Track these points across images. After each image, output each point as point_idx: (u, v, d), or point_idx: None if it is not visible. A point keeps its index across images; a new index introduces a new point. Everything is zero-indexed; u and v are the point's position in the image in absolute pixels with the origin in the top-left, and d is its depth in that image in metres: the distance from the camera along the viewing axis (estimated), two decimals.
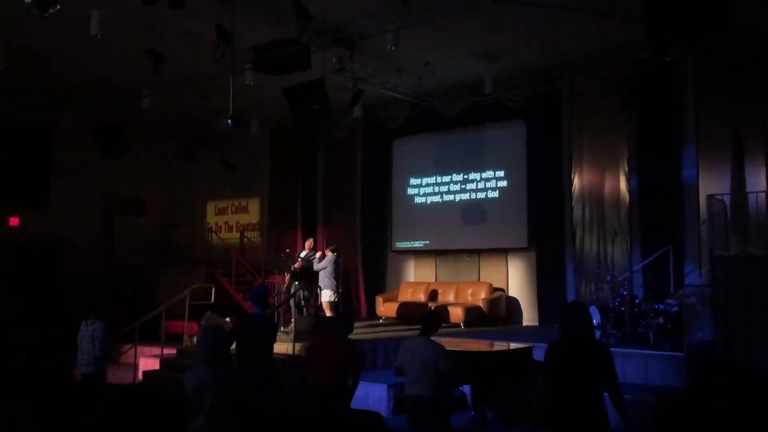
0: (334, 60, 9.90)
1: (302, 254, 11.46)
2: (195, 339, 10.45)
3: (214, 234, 15.94)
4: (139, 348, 10.74)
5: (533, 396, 7.57)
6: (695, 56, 10.02)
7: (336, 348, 5.99)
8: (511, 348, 8.31)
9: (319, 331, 8.98)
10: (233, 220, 16.78)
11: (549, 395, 4.34)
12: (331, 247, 11.21)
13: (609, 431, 4.36)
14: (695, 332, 8.71)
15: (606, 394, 4.37)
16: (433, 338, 5.95)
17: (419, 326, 6.06)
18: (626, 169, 11.39)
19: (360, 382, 6.40)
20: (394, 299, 13.23)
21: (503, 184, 13.02)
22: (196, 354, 4.17)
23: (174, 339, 11.40)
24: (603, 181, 11.68)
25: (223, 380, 4.01)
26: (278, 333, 8.05)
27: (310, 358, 6.11)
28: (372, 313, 13.67)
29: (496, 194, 13.10)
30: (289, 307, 10.68)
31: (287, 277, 11.19)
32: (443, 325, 11.74)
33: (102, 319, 7.09)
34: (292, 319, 10.27)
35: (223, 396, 3.96)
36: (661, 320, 9.32)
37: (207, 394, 3.97)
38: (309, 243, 11.77)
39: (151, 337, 11.24)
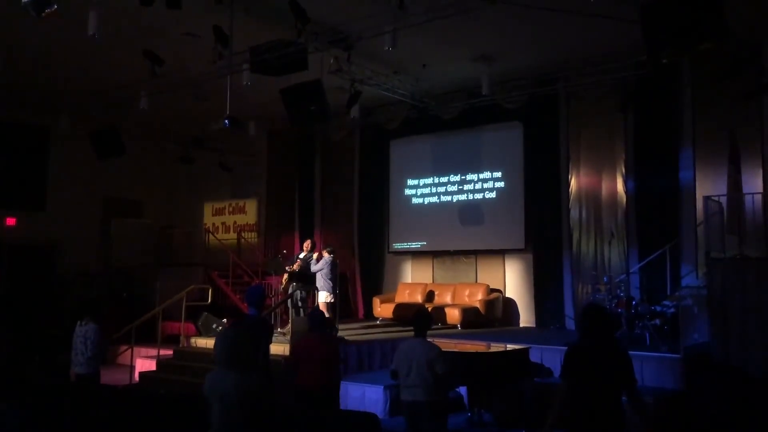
0: (331, 61, 9.90)
1: (301, 255, 11.47)
2: (194, 340, 10.51)
3: (211, 235, 15.95)
4: (135, 349, 10.73)
5: (532, 397, 7.59)
6: (692, 59, 10.04)
7: (320, 348, 5.99)
8: (507, 349, 8.32)
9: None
10: (230, 220, 16.79)
11: (568, 397, 4.34)
12: (328, 249, 11.20)
13: None
14: (691, 334, 8.73)
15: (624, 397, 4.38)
16: (429, 340, 5.91)
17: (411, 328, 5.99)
18: (623, 170, 11.40)
19: (357, 383, 6.42)
20: (391, 300, 13.23)
21: (500, 185, 13.04)
22: (214, 356, 4.16)
23: (171, 340, 11.40)
24: (600, 183, 11.69)
25: (238, 381, 4.01)
26: (275, 334, 8.06)
27: (296, 359, 6.10)
28: (369, 315, 13.68)
29: (493, 195, 13.12)
30: (287, 308, 10.68)
31: (285, 278, 11.19)
32: (440, 325, 11.94)
33: (95, 320, 7.08)
34: (290, 320, 10.27)
35: (239, 396, 3.96)
36: (657, 322, 9.35)
37: (222, 394, 3.97)
38: (307, 244, 11.77)
39: (147, 338, 11.25)
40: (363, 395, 8.33)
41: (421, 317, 5.95)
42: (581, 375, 4.35)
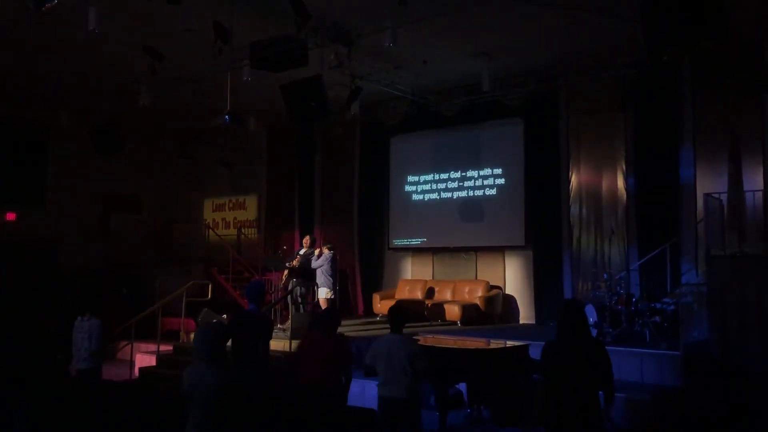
0: (332, 57, 9.87)
1: (301, 251, 11.47)
2: (192, 336, 10.51)
3: (211, 231, 15.95)
4: (135, 344, 10.74)
5: (530, 394, 7.59)
6: (692, 57, 10.01)
7: (326, 345, 5.96)
8: (507, 346, 8.31)
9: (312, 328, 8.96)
10: (230, 216, 16.80)
11: (546, 394, 4.35)
12: (328, 245, 11.22)
13: (604, 430, 4.37)
14: (691, 331, 8.72)
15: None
16: (416, 337, 5.86)
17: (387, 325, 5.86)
18: (623, 167, 11.39)
19: (356, 379, 6.38)
20: (391, 297, 13.22)
21: (501, 181, 13.03)
22: (194, 350, 4.16)
23: (170, 336, 11.41)
24: (600, 180, 11.68)
25: (219, 377, 4.00)
26: (275, 330, 8.06)
27: (301, 356, 6.08)
28: (369, 311, 13.68)
29: (493, 192, 13.11)
30: (287, 304, 10.70)
31: (285, 274, 11.20)
32: (440, 322, 11.95)
33: (97, 316, 7.10)
34: (290, 316, 10.28)
35: (218, 392, 3.95)
36: (657, 319, 9.35)
37: (202, 390, 3.96)
38: (306, 240, 11.77)
39: (147, 333, 11.24)
40: (363, 391, 8.31)
41: (398, 314, 5.84)
42: (558, 372, 4.35)
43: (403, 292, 13.41)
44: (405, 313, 6.01)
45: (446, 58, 11.08)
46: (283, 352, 8.89)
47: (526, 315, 12.60)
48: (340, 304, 11.67)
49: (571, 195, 11.96)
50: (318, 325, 6.33)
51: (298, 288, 10.75)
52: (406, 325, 5.97)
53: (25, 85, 12.67)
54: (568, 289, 11.85)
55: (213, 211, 17.11)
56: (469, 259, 13.46)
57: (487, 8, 8.33)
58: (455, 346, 7.83)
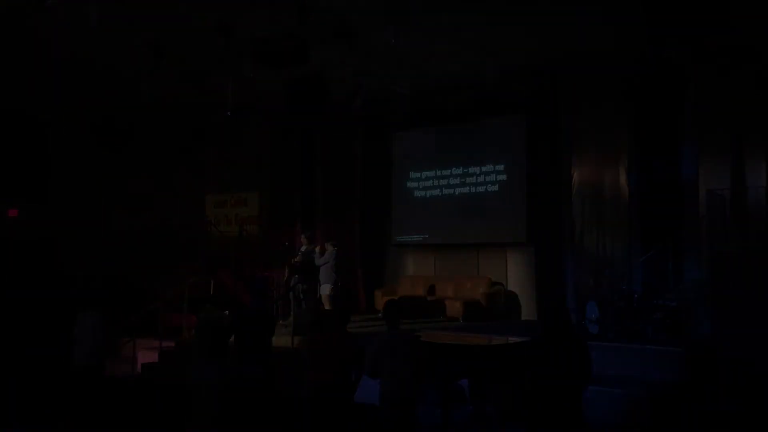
0: (334, 53, 9.86)
1: (302, 249, 11.47)
2: (194, 331, 10.51)
3: (213, 227, 15.95)
4: (137, 341, 10.74)
5: (532, 391, 7.59)
6: (695, 51, 9.99)
7: (337, 344, 5.94)
8: (509, 342, 8.30)
9: (319, 326, 8.95)
10: (232, 213, 16.77)
11: (532, 389, 4.45)
12: (332, 242, 11.23)
13: (585, 426, 4.44)
14: (694, 327, 8.73)
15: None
16: (417, 333, 5.85)
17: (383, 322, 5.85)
18: (626, 163, 11.35)
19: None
20: (392, 293, 13.20)
21: (503, 178, 12.99)
22: (196, 346, 4.15)
23: (173, 332, 11.41)
24: (603, 176, 11.64)
25: (219, 372, 4.00)
26: (277, 326, 8.07)
27: (311, 355, 6.06)
28: (371, 308, 13.68)
29: (495, 188, 13.08)
30: (289, 300, 10.71)
31: (287, 271, 11.21)
32: (442, 318, 11.94)
33: (98, 312, 7.10)
34: (291, 313, 10.29)
35: (219, 388, 3.95)
36: (659, 315, 9.34)
37: (203, 385, 3.96)
38: (303, 239, 11.73)
39: (149, 330, 11.25)
40: (364, 387, 8.32)
41: (392, 309, 5.85)
42: (541, 369, 4.42)
43: (405, 289, 13.41)
44: (400, 308, 6.04)
45: (448, 54, 11.04)
46: (285, 349, 8.89)
47: (528, 311, 12.56)
48: (339, 300, 11.65)
49: (573, 191, 11.91)
50: (326, 323, 6.30)
51: (300, 284, 10.76)
52: (406, 321, 5.97)
53: (27, 81, 12.65)
54: (570, 285, 11.83)
55: (215, 207, 17.10)
56: (471, 256, 13.43)
57: (490, 4, 8.31)
58: (457, 343, 7.82)
